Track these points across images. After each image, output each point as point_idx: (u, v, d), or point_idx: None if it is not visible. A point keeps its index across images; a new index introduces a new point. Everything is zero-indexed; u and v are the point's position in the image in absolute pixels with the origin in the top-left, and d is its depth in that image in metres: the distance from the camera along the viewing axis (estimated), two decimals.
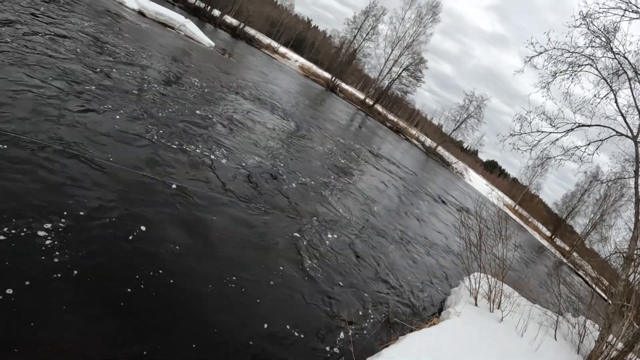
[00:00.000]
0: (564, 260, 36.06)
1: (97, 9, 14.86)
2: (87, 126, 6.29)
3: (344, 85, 55.34)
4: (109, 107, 7.40)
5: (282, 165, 10.27)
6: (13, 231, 3.76)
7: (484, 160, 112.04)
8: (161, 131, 7.70)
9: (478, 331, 6.28)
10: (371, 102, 54.03)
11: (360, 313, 6.03)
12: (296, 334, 4.69)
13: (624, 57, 9.58)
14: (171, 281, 4.33)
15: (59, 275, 3.62)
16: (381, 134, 37.72)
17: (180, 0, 35.64)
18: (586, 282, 28.38)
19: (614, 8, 9.52)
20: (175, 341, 3.74)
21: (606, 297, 10.03)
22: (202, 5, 38.40)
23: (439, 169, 42.27)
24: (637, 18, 9.37)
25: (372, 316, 6.13)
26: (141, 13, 21.13)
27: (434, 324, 6.40)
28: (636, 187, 9.09)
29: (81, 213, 4.47)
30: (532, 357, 6.21)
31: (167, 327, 3.83)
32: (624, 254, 8.90)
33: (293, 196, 8.73)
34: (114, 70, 9.53)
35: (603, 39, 9.76)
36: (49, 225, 4.05)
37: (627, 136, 9.81)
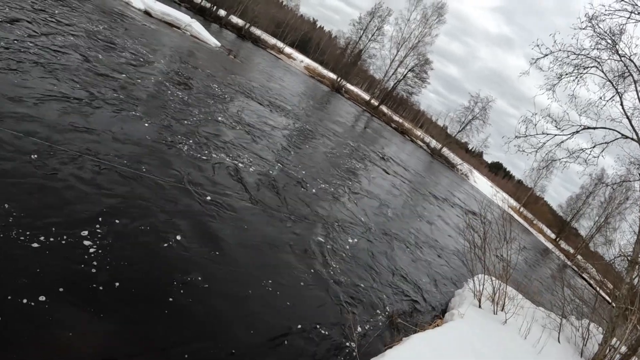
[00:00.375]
0: (568, 263, 35.90)
1: (104, 9, 14.96)
2: (117, 135, 6.48)
3: (349, 85, 55.27)
4: (136, 115, 7.67)
5: (302, 171, 10.70)
6: (52, 239, 3.87)
7: (489, 161, 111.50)
8: (190, 140, 8.04)
9: (482, 333, 6.29)
10: (376, 103, 53.96)
11: (366, 314, 6.06)
12: (300, 333, 4.73)
13: (630, 59, 9.56)
14: (207, 286, 4.52)
15: (96, 283, 3.74)
16: (387, 135, 37.70)
17: (186, 0, 35.77)
18: (590, 285, 28.29)
19: (619, 10, 9.51)
20: (217, 343, 3.94)
21: (610, 301, 9.99)
22: (208, 5, 38.50)
23: (444, 171, 42.18)
24: None
25: (376, 317, 6.16)
26: (147, 13, 21.24)
27: (438, 325, 6.42)
28: None
29: (117, 221, 4.64)
30: (536, 359, 6.22)
31: (209, 329, 4.02)
32: (629, 257, 8.88)
33: (315, 203, 9.15)
34: (131, 74, 9.72)
35: (609, 41, 9.74)
36: (85, 233, 4.19)
37: (632, 139, 9.78)
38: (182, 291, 4.22)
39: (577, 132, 10.69)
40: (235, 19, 43.41)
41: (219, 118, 10.58)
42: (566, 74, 10.57)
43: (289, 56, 51.65)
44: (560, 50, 10.32)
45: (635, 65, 9.54)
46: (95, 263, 3.90)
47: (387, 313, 6.46)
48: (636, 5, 9.26)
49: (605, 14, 9.67)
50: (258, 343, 4.23)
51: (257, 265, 5.59)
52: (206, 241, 5.33)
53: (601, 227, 44.78)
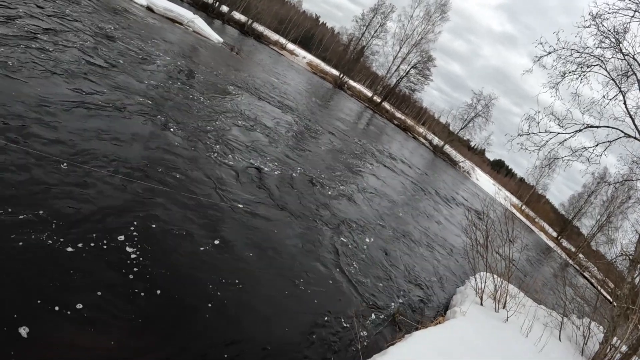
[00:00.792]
0: (570, 262, 35.88)
1: (107, 5, 14.93)
2: (149, 144, 6.71)
3: (351, 82, 55.23)
4: (162, 120, 7.92)
5: (317, 172, 11.16)
6: (92, 244, 3.99)
7: (491, 159, 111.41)
8: (217, 147, 8.35)
9: (483, 331, 6.31)
10: (379, 100, 53.89)
11: (367, 311, 6.08)
12: (304, 333, 4.76)
13: (634, 58, 9.54)
14: (241, 286, 4.76)
15: (138, 289, 3.84)
16: (390, 132, 37.68)
17: None
18: (591, 284, 28.28)
19: (624, 9, 9.49)
20: (257, 340, 4.17)
21: (611, 300, 9.99)
22: (211, 1, 38.39)
23: (447, 168, 42.12)
24: None
25: (378, 314, 6.18)
26: (149, 9, 21.20)
27: (440, 322, 6.44)
28: None
29: (153, 225, 4.81)
30: (537, 357, 6.23)
31: (246, 329, 4.21)
32: (630, 256, 8.89)
33: (335, 206, 9.50)
34: (149, 75, 9.98)
35: (612, 39, 9.72)
36: (122, 238, 4.30)
37: (635, 138, 9.78)
38: (219, 293, 4.40)
39: (580, 130, 10.68)
40: (237, 15, 43.28)
41: (245, 123, 11.04)
42: (569, 72, 10.56)
43: (291, 52, 51.58)
44: (563, 48, 10.30)
45: (639, 64, 9.52)
46: (135, 269, 4.02)
47: (389, 310, 6.48)
48: None
49: (609, 13, 9.66)
50: (293, 340, 4.46)
51: (286, 267, 5.85)
52: (240, 245, 5.56)
53: (603, 226, 44.71)
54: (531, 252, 24.11)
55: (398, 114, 58.45)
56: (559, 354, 7.05)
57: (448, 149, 52.93)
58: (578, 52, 10.21)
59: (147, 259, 4.21)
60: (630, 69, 9.74)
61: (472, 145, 77.20)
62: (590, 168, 11.23)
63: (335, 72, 53.21)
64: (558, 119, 10.82)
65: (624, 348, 7.33)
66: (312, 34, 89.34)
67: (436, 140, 54.65)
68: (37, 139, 5.01)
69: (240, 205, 6.58)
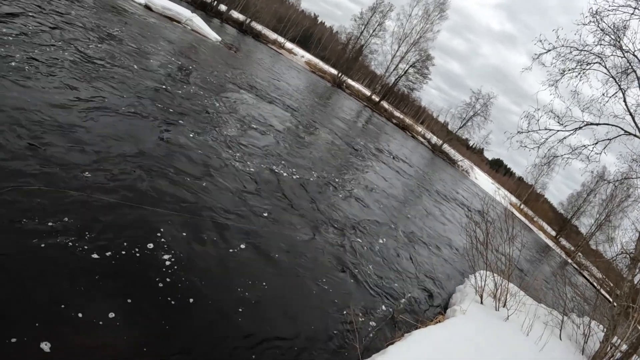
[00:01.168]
0: (569, 261, 35.89)
1: (105, 3, 14.87)
2: (168, 146, 6.93)
3: (350, 81, 55.12)
4: (190, 129, 8.24)
5: (330, 175, 11.47)
6: (123, 252, 4.06)
7: (490, 158, 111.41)
8: (237, 154, 8.57)
9: (484, 329, 6.27)
10: (377, 99, 53.81)
11: (366, 310, 6.03)
12: (304, 332, 4.71)
13: (634, 54, 9.49)
14: (265, 286, 4.98)
15: (169, 296, 3.91)
16: (389, 131, 37.61)
17: None
18: (590, 283, 28.29)
19: (623, 6, 9.44)
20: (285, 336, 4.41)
21: (610, 299, 9.95)
22: (209, 0, 38.30)
23: (446, 167, 42.11)
24: None
25: (377, 313, 6.14)
26: (147, 7, 21.15)
27: (440, 321, 6.40)
28: None
29: (183, 233, 4.95)
30: (538, 356, 6.19)
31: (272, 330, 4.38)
32: (631, 255, 8.85)
33: (348, 210, 9.73)
34: (149, 75, 10.00)
35: (612, 36, 9.68)
36: (151, 246, 4.38)
37: (635, 135, 9.73)
38: (246, 293, 4.62)
39: (580, 128, 10.63)
40: (236, 14, 43.21)
41: (260, 128, 11.40)
42: (569, 70, 10.51)
43: (290, 51, 51.52)
44: (563, 46, 10.26)
45: (639, 61, 9.47)
46: (165, 277, 4.10)
47: (388, 309, 6.43)
48: None
49: (609, 10, 9.61)
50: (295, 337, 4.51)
51: (306, 268, 6.08)
52: (264, 251, 5.76)
53: (602, 225, 44.69)
54: (530, 251, 24.12)
55: (397, 113, 58.39)
56: (560, 352, 7.01)
57: (447, 147, 52.88)
58: (577, 49, 10.17)
59: (177, 265, 4.32)
60: (630, 67, 9.69)
61: (470, 144, 77.32)
62: (590, 166, 11.18)
63: (333, 71, 53.16)
64: (558, 116, 10.79)
65: (624, 347, 7.29)
66: (310, 33, 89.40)
67: (435, 139, 54.60)
68: (56, 146, 5.04)
69: (265, 214, 6.79)
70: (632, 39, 9.42)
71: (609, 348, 7.36)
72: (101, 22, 11.92)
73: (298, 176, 9.61)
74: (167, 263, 4.25)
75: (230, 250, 5.28)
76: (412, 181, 20.17)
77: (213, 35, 24.47)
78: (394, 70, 53.32)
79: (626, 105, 9.80)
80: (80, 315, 3.17)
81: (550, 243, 42.71)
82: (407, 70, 53.02)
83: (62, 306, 3.17)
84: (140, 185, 5.31)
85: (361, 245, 8.16)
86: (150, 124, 7.38)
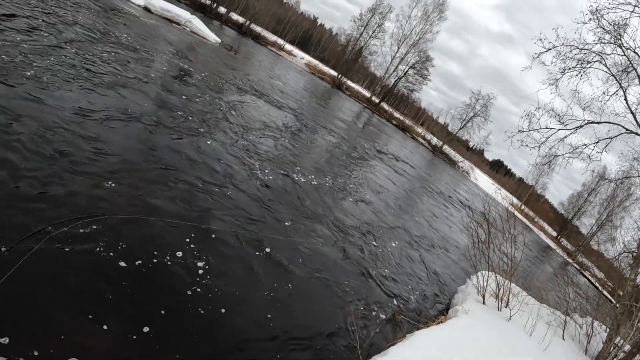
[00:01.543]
0: (570, 261, 35.80)
1: (104, 5, 14.84)
2: (193, 157, 7.18)
3: (350, 82, 55.12)
4: (205, 136, 8.43)
5: (349, 184, 11.74)
6: (154, 260, 4.18)
7: (490, 159, 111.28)
8: (252, 161, 8.74)
9: (487, 330, 6.21)
10: (377, 100, 53.76)
11: (368, 310, 5.98)
12: (305, 332, 4.66)
13: (634, 52, 9.45)
14: (290, 286, 5.24)
15: (201, 307, 3.98)
16: (389, 133, 37.61)
17: None
18: (592, 283, 28.21)
19: (623, 4, 9.40)
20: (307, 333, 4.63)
21: (612, 299, 9.88)
22: (209, 2, 38.30)
23: (446, 168, 42.09)
24: None
25: (379, 313, 6.08)
26: (147, 9, 21.14)
27: (442, 321, 6.34)
28: None
29: (213, 235, 5.20)
30: (541, 357, 6.12)
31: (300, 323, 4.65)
32: (633, 253, 8.79)
33: (357, 214, 9.81)
34: (148, 76, 10.03)
35: (612, 34, 9.63)
36: (180, 254, 4.49)
37: (636, 133, 9.69)
38: (272, 294, 4.84)
39: (581, 126, 10.58)
40: (235, 16, 43.22)
41: (271, 134, 11.61)
42: (569, 69, 10.46)
43: (289, 53, 51.55)
44: (563, 44, 10.22)
45: None
46: (196, 289, 4.17)
47: (389, 309, 6.38)
48: None
49: (609, 8, 9.57)
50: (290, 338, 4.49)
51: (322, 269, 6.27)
52: (292, 254, 6.04)
53: (603, 225, 44.58)
54: (532, 251, 24.08)
55: (396, 114, 58.34)
56: (563, 353, 6.95)
57: (447, 148, 52.80)
58: (578, 48, 10.13)
59: (207, 272, 4.44)
60: (631, 65, 9.64)
61: (470, 145, 77.14)
62: (591, 165, 11.13)
63: (333, 72, 53.16)
64: (558, 115, 10.73)
65: (627, 347, 7.23)
66: (310, 35, 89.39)
67: (435, 140, 54.50)
68: (77, 156, 5.14)
69: (287, 224, 6.94)
70: (633, 37, 9.35)
71: (612, 348, 7.31)
72: (101, 23, 11.89)
73: (309, 180, 9.68)
74: (201, 271, 4.40)
75: (257, 254, 5.49)
76: (416, 183, 20.23)
77: (212, 37, 24.45)
78: (393, 71, 53.32)
79: (627, 103, 9.76)
80: (105, 327, 3.19)
81: (551, 243, 42.61)
82: (406, 71, 52.98)
83: (90, 317, 3.20)
84: (157, 196, 5.38)
85: (359, 247, 8.12)
86: (163, 131, 7.49)
